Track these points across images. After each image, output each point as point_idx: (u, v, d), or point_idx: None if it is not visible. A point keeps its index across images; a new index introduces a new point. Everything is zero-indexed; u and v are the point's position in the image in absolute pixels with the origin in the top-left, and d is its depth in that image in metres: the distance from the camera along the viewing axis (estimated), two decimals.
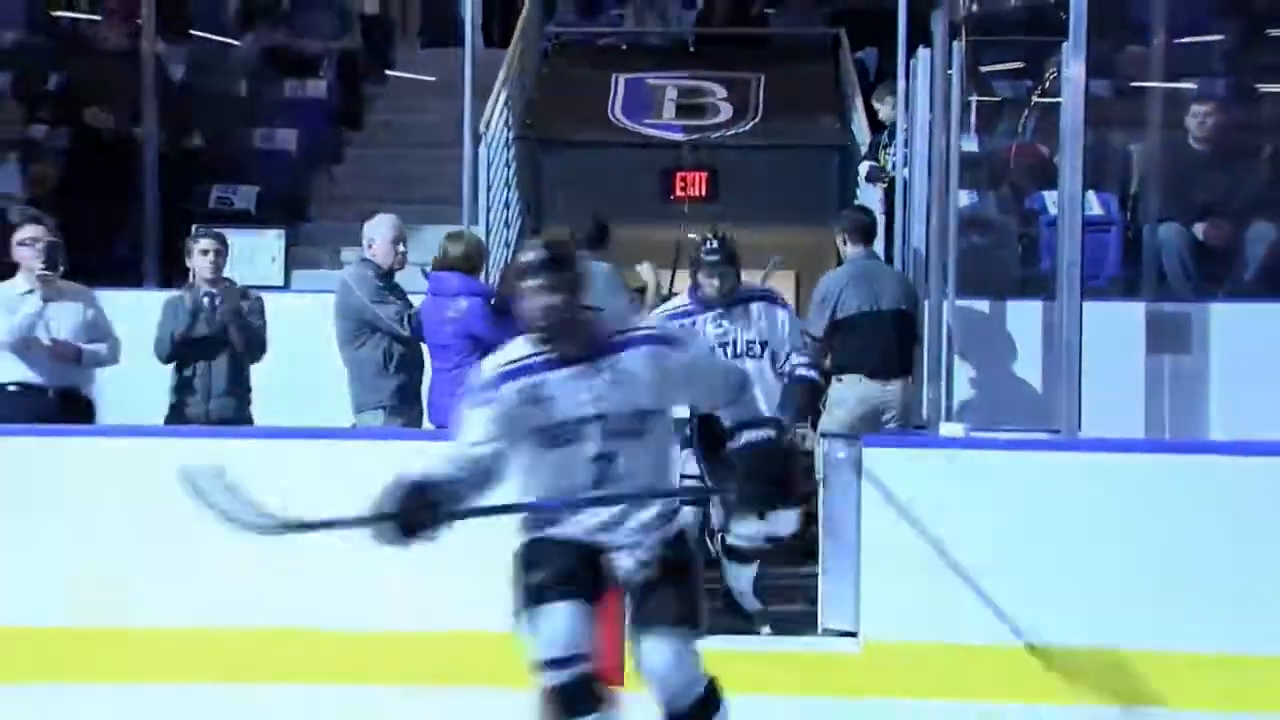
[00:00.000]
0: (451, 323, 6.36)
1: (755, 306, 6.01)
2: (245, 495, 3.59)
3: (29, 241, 6.48)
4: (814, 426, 7.17)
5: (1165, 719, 5.12)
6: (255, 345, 6.77)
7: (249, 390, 6.79)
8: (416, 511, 3.57)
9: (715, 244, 5.92)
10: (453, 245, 6.56)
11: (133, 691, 5.36)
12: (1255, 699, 5.19)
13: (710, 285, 5.92)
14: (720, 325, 5.96)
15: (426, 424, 6.50)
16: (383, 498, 3.58)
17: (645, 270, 7.18)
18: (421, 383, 6.61)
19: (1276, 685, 5.21)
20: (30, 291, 6.45)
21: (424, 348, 6.59)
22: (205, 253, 6.72)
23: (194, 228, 7.40)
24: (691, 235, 8.06)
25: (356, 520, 3.61)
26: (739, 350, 5.96)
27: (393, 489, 3.58)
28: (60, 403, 6.45)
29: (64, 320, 6.49)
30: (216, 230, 6.99)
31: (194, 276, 6.78)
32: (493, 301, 6.42)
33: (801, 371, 5.97)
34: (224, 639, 5.47)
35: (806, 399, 6.05)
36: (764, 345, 5.99)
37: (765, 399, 5.31)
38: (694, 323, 5.93)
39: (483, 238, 8.25)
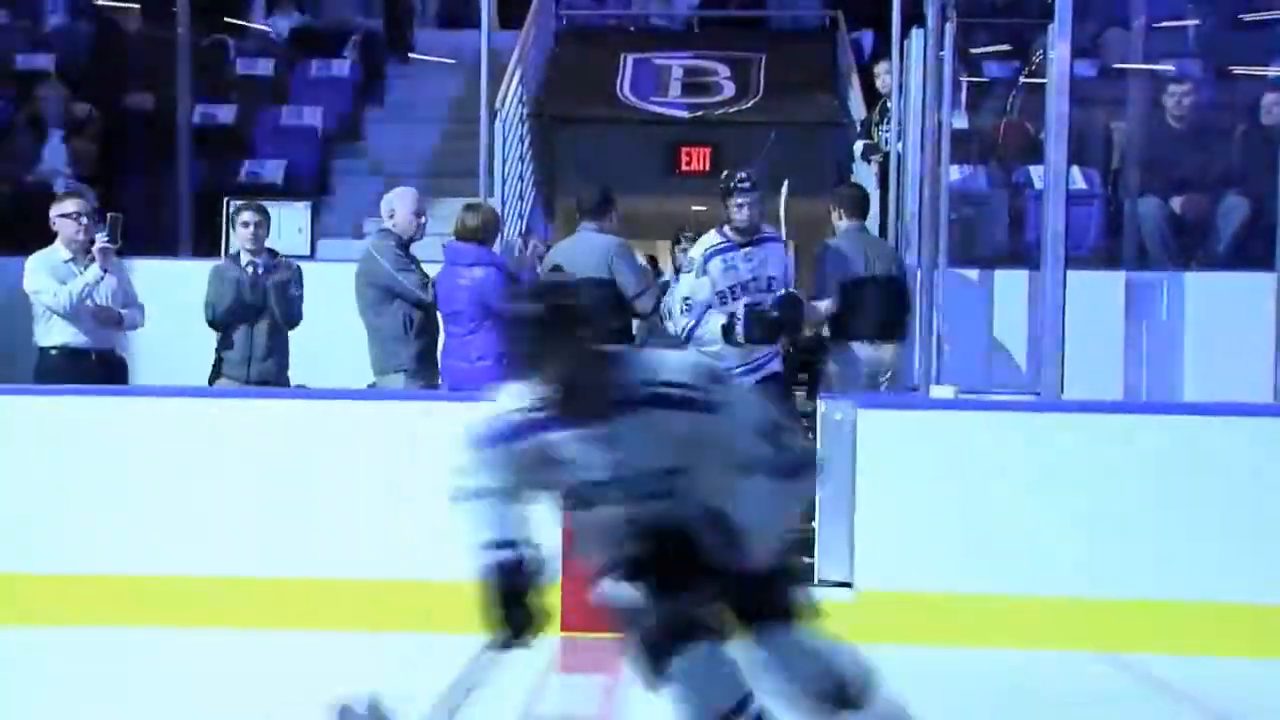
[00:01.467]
0: (466, 291, 6.35)
1: (774, 247, 6.42)
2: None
3: (72, 214, 6.55)
4: (811, 392, 7.18)
5: (1150, 663, 5.13)
6: (293, 313, 6.79)
7: (287, 355, 6.81)
8: (522, 625, 3.13)
9: (746, 176, 6.31)
10: (469, 217, 6.54)
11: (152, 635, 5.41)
12: (1234, 645, 5.23)
13: (741, 214, 6.26)
14: (751, 260, 6.29)
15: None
16: (486, 616, 3.13)
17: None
18: (437, 347, 6.60)
19: (1258, 632, 5.24)
20: (71, 260, 6.50)
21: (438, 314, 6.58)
22: (246, 225, 6.74)
23: (225, 199, 7.41)
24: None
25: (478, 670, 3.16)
26: (763, 285, 6.30)
27: (490, 605, 3.12)
28: (98, 364, 6.52)
29: (105, 288, 6.57)
30: (259, 203, 7.00)
31: (235, 246, 6.80)
32: (507, 272, 6.42)
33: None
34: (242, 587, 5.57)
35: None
36: (772, 281, 6.33)
37: None
38: (732, 256, 6.26)
39: (498, 209, 8.24)
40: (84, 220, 6.52)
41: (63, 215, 6.56)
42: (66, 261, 6.51)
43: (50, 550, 5.63)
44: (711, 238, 6.39)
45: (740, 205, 6.26)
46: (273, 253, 6.85)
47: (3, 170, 9.57)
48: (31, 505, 5.64)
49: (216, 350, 6.74)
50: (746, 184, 6.26)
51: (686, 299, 6.28)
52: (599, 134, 10.51)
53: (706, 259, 6.31)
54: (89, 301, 6.47)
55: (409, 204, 6.66)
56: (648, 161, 10.34)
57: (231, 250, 6.85)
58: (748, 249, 6.31)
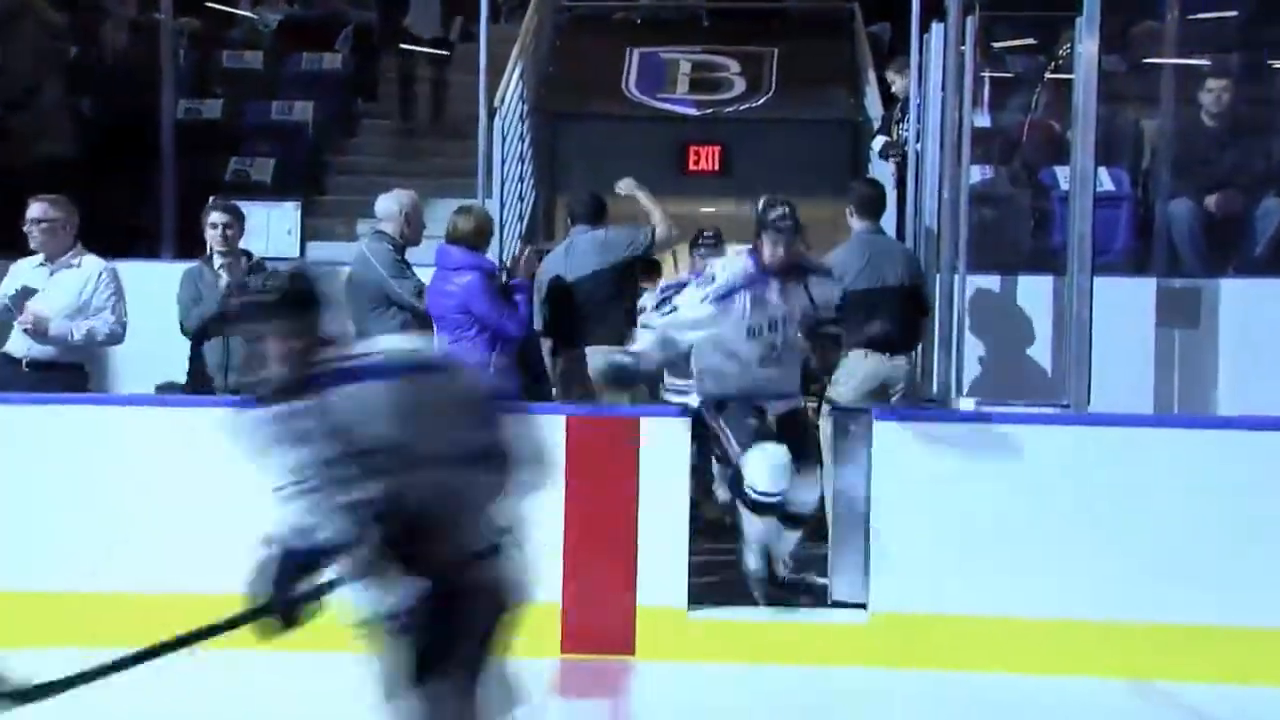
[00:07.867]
0: (451, 296, 6.34)
1: (812, 284, 5.79)
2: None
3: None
4: (820, 399, 7.15)
5: (1180, 692, 5.11)
6: None
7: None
8: (289, 605, 3.13)
9: (786, 210, 5.62)
10: (462, 220, 6.52)
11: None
12: (1255, 671, 5.20)
13: (775, 253, 5.57)
14: (781, 298, 5.66)
15: None
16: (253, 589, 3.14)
17: (627, 186, 7.10)
18: None
19: (1275, 657, 5.22)
20: (41, 264, 6.46)
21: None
22: (215, 226, 6.67)
23: (210, 199, 7.40)
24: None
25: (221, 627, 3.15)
26: (783, 332, 5.74)
27: (257, 580, 3.13)
28: (31, 371, 6.32)
29: (57, 296, 6.38)
30: (230, 202, 6.93)
31: (209, 249, 6.75)
32: (496, 280, 6.42)
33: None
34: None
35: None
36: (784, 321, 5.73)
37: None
38: (760, 292, 5.59)
39: (498, 210, 8.24)
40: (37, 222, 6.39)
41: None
42: (38, 266, 6.45)
43: None
44: (739, 265, 5.71)
45: (774, 243, 5.60)
46: (248, 255, 6.78)
47: None
48: None
49: (190, 359, 6.66)
50: (788, 223, 5.60)
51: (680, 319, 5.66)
52: (602, 131, 10.52)
53: (730, 291, 5.61)
54: (29, 311, 6.27)
55: (402, 205, 6.66)
56: (655, 161, 10.33)
57: (207, 252, 6.77)
58: (779, 286, 5.66)
